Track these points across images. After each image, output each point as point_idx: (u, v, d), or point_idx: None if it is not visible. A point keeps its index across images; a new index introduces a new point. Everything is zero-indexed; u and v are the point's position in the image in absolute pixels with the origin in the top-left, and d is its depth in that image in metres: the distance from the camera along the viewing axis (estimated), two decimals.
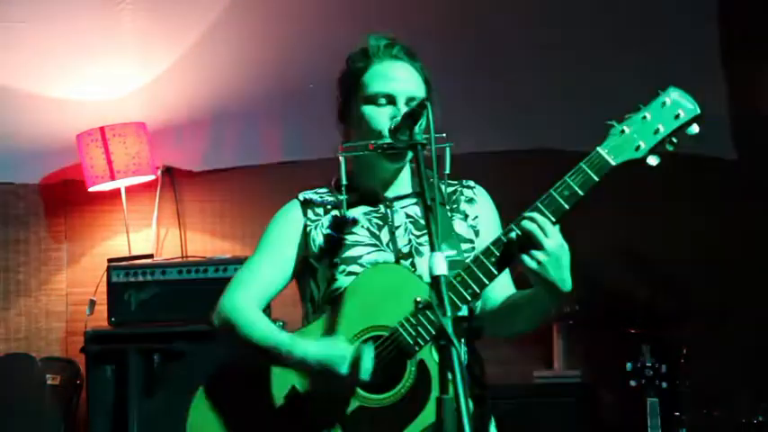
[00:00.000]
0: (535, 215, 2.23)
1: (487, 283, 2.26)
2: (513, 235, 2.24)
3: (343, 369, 2.27)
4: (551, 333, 4.75)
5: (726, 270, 4.79)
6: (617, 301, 4.68)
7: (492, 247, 2.26)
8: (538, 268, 2.21)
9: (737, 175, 4.84)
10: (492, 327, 2.49)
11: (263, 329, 2.42)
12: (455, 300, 2.25)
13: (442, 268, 1.99)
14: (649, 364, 4.04)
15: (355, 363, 2.26)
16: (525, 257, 2.22)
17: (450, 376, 1.89)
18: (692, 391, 4.32)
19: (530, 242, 2.21)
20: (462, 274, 2.26)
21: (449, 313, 1.94)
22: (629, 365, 4.06)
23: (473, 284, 2.26)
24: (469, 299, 2.27)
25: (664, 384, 4.01)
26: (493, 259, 2.26)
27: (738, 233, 4.86)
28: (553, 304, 2.31)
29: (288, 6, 4.77)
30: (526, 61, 4.83)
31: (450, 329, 1.90)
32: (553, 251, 2.21)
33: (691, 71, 4.65)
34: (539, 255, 2.21)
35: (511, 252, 2.24)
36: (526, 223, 2.22)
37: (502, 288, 2.45)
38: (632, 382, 4.05)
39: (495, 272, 2.26)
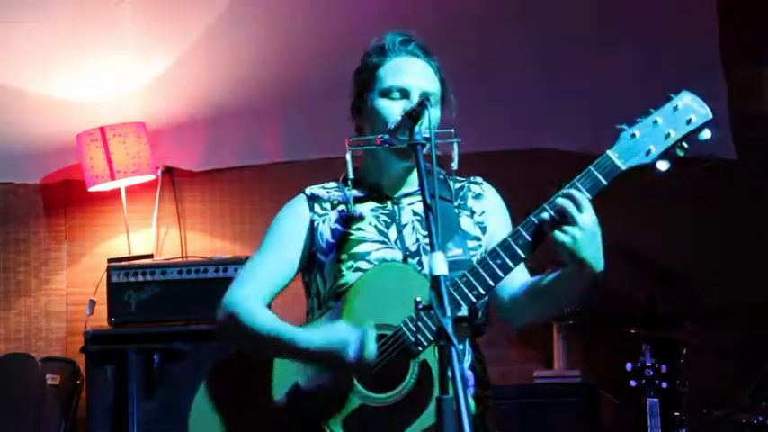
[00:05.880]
0: (571, 191, 2.20)
1: (513, 266, 2.25)
2: (544, 215, 2.22)
3: (348, 352, 2.23)
4: (551, 333, 4.75)
5: (726, 270, 4.78)
6: (617, 302, 4.67)
7: (520, 230, 2.25)
8: (572, 244, 2.18)
9: (737, 175, 4.84)
10: (515, 314, 2.48)
11: (265, 319, 2.40)
12: (479, 287, 2.24)
13: (441, 268, 1.99)
14: (649, 364, 4.04)
15: (360, 345, 2.23)
16: (558, 233, 2.19)
17: (450, 376, 1.88)
18: (692, 391, 4.31)
19: (563, 218, 2.19)
20: (488, 259, 2.26)
21: (449, 313, 1.93)
22: (629, 365, 4.06)
23: (498, 270, 2.25)
24: (493, 284, 2.26)
25: (664, 384, 4.01)
26: (521, 241, 2.24)
27: (738, 233, 4.86)
28: (584, 285, 2.27)
29: (287, 6, 4.77)
30: (525, 61, 4.82)
31: (449, 329, 1.89)
32: (587, 227, 2.19)
33: (691, 71, 4.65)
34: (573, 230, 2.18)
35: (542, 231, 2.22)
36: (560, 200, 2.20)
37: (518, 274, 2.41)
38: (632, 382, 4.05)
39: (523, 255, 2.24)
